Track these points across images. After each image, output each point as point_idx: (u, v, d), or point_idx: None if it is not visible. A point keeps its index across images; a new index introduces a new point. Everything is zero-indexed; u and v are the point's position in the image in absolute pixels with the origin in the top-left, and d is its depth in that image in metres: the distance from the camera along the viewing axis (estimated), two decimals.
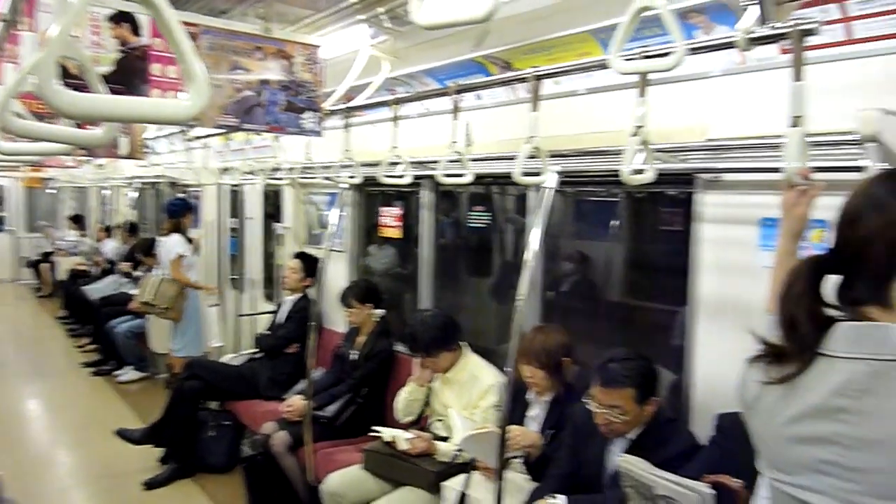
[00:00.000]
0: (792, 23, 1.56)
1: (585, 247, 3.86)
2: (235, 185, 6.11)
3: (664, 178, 2.60)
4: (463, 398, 3.30)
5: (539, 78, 2.37)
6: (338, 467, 3.40)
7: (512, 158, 2.52)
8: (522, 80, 2.53)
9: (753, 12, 1.64)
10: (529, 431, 2.83)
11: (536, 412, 2.96)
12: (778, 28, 1.61)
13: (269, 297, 6.03)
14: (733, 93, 2.51)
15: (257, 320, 5.75)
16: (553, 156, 2.72)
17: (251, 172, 5.53)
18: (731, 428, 2.27)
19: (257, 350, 4.92)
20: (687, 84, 2.61)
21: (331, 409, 3.91)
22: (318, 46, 3.17)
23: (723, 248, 2.59)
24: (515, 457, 2.76)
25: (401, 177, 3.27)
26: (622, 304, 3.75)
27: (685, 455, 2.37)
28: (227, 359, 5.11)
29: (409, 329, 3.50)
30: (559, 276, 3.88)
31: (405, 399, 3.49)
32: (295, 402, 3.89)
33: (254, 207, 6.16)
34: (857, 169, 1.84)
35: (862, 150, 1.83)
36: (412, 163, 3.32)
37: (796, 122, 1.54)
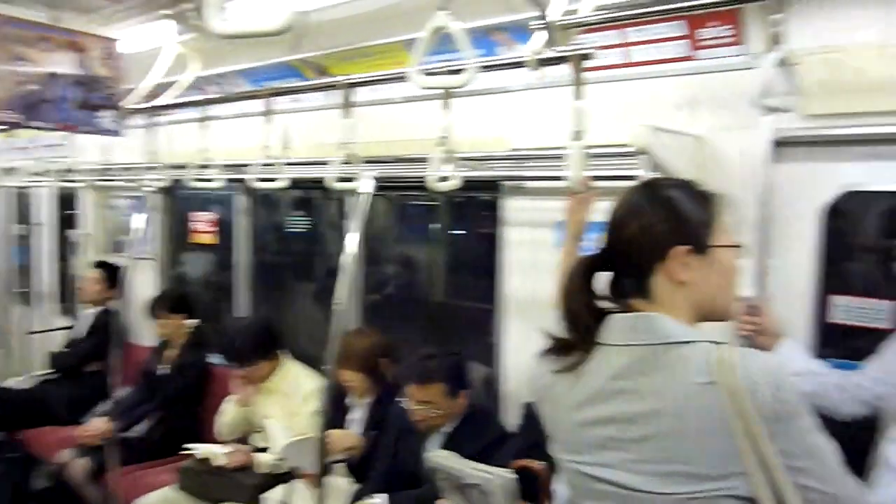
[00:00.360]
0: (573, 47, 1.73)
1: (408, 250, 3.96)
2: (21, 188, 5.47)
3: (474, 184, 2.77)
4: (284, 407, 3.24)
5: (351, 86, 2.40)
6: (149, 490, 3.18)
7: (329, 163, 2.54)
8: (333, 86, 2.54)
9: (542, 35, 1.80)
10: (350, 434, 2.85)
11: (358, 415, 2.99)
12: (561, 51, 1.78)
13: (65, 311, 5.46)
14: (533, 106, 2.71)
15: (51, 338, 5.19)
16: (371, 161, 2.77)
17: (40, 173, 4.99)
18: (537, 416, 2.46)
19: (52, 370, 4.45)
20: (493, 97, 2.79)
21: (139, 429, 3.64)
22: (116, 40, 2.94)
23: (525, 249, 2.79)
24: (338, 461, 2.76)
25: (211, 180, 3.14)
26: (443, 304, 3.88)
27: (497, 444, 2.54)
28: (12, 382, 4.56)
29: (224, 339, 3.36)
30: (382, 279, 3.94)
31: (228, 423, 3.34)
32: (95, 425, 3.57)
33: (44, 212, 5.56)
34: (632, 178, 2.08)
35: (636, 161, 2.07)
36: (225, 166, 3.20)
37: (577, 136, 1.71)
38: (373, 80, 2.50)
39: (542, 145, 2.67)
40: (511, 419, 2.74)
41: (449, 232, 3.74)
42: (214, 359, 3.88)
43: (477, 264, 3.57)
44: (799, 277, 2.25)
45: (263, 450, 3.16)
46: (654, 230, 1.26)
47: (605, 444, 1.22)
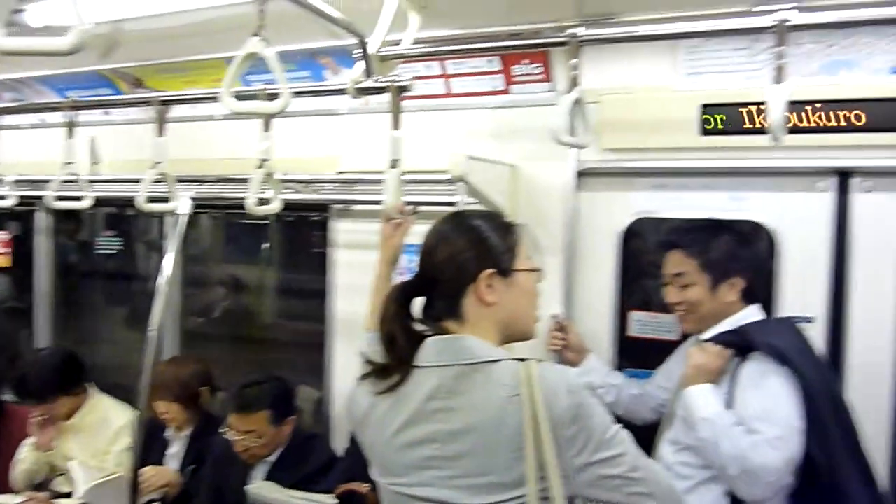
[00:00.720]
0: (391, 78, 1.79)
1: (237, 270, 3.81)
2: None
3: (302, 205, 2.74)
4: (91, 446, 2.95)
5: (164, 103, 2.28)
6: None
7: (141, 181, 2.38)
8: (147, 102, 2.41)
9: (362, 64, 1.84)
10: (165, 470, 2.67)
11: (176, 449, 2.81)
12: (380, 81, 1.83)
13: None
14: (362, 129, 2.74)
15: None
16: (189, 180, 2.65)
17: None
18: None
19: None
20: (323, 118, 2.79)
21: None
22: None
23: (354, 271, 2.81)
24: (152, 501, 2.58)
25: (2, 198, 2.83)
26: (274, 326, 3.79)
27: (323, 469, 2.50)
28: None
29: (17, 373, 3.00)
30: (209, 301, 3.76)
31: (26, 469, 2.97)
32: None
33: None
34: (451, 204, 2.17)
35: (454, 187, 2.17)
36: (17, 181, 2.89)
37: (393, 164, 1.77)
38: (186, 99, 2.41)
39: (370, 168, 2.70)
40: (342, 442, 2.71)
41: (280, 252, 3.66)
42: (7, 396, 3.46)
43: (309, 285, 3.53)
44: (602, 295, 2.47)
45: (67, 495, 2.86)
46: (462, 256, 1.37)
47: (424, 465, 1.28)
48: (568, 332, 2.36)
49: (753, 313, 1.95)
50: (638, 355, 2.45)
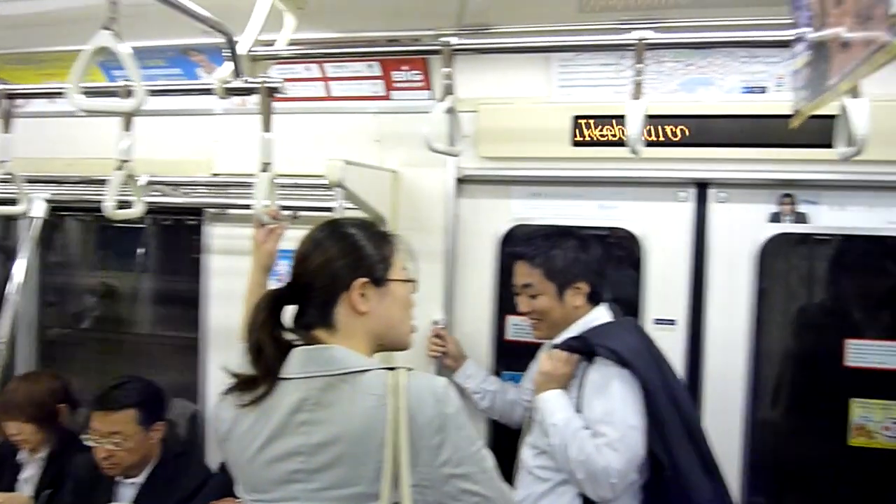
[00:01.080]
0: (261, 79, 1.73)
1: (108, 277, 3.57)
2: None
3: (176, 208, 2.61)
4: None
5: (10, 97, 2.10)
6: None
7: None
8: None
9: (230, 64, 1.77)
10: (18, 496, 2.46)
11: (30, 472, 2.58)
12: (250, 82, 1.77)
13: None
14: (237, 131, 2.65)
15: None
16: (47, 181, 2.45)
17: None
18: None
19: None
20: (196, 119, 2.66)
21: None
22: None
23: (229, 277, 2.70)
24: None
25: None
26: (147, 336, 3.58)
27: (198, 488, 2.38)
28: None
29: None
30: (75, 311, 3.51)
31: None
32: None
33: None
34: (329, 209, 2.14)
35: (331, 192, 2.13)
36: None
37: (265, 167, 1.71)
38: (33, 93, 2.22)
39: (245, 171, 2.61)
40: (217, 458, 2.59)
41: (156, 258, 3.47)
42: None
43: (185, 293, 3.37)
44: (480, 300, 2.51)
45: None
46: (336, 264, 1.35)
47: (290, 479, 1.25)
48: (446, 339, 2.38)
49: (601, 315, 2.02)
50: (515, 358, 2.51)
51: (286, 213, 1.93)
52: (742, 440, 2.30)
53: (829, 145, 1.53)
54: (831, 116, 1.47)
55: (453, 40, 1.76)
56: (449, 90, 1.76)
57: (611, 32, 2.01)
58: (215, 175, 2.67)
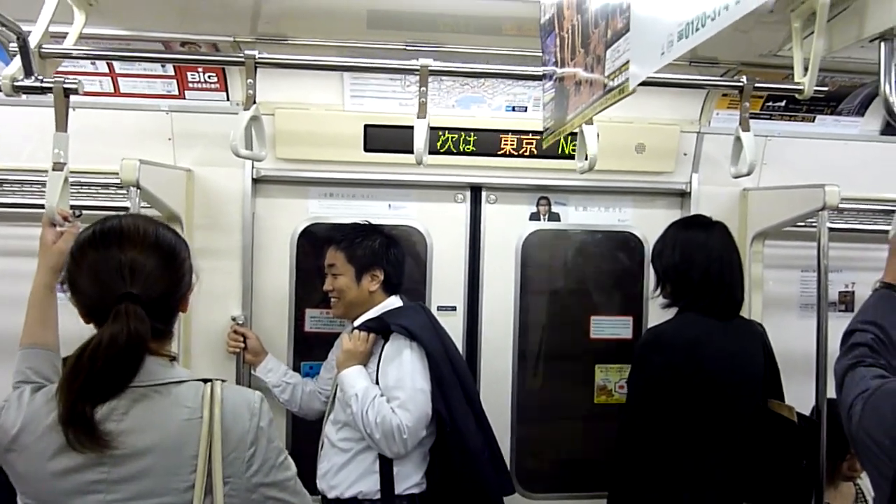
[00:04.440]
0: (57, 79, 1.69)
1: None
2: None
3: None
4: None
5: None
6: None
7: None
8: None
9: (18, 60, 1.69)
10: None
11: None
12: (44, 81, 1.72)
13: None
14: (10, 123, 2.46)
15: None
16: None
17: None
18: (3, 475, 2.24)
19: None
20: None
21: None
22: None
23: (3, 281, 2.51)
24: None
25: None
26: None
27: None
28: None
29: None
30: None
31: None
32: None
33: None
34: (121, 209, 2.11)
35: (125, 191, 2.11)
36: None
37: (57, 166, 1.67)
38: None
39: (21, 167, 2.45)
40: None
41: None
42: None
43: None
44: (279, 295, 2.63)
45: None
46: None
47: (87, 489, 1.22)
48: (247, 335, 2.47)
49: (394, 301, 2.32)
50: (313, 349, 2.68)
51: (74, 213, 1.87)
52: (511, 402, 2.73)
53: (574, 157, 1.91)
54: (575, 134, 1.84)
55: (255, 53, 1.86)
56: (252, 100, 1.87)
57: (398, 53, 2.26)
58: None
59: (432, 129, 1.98)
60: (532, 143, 2.58)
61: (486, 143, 2.57)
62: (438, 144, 2.54)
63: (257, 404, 1.33)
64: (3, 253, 2.53)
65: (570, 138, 2.42)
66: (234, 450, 1.27)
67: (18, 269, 2.49)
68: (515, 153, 2.59)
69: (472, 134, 2.56)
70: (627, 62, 1.12)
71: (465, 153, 2.57)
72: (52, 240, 1.63)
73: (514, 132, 2.58)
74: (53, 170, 1.71)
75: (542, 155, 2.57)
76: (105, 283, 1.25)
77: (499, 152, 2.59)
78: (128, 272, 1.25)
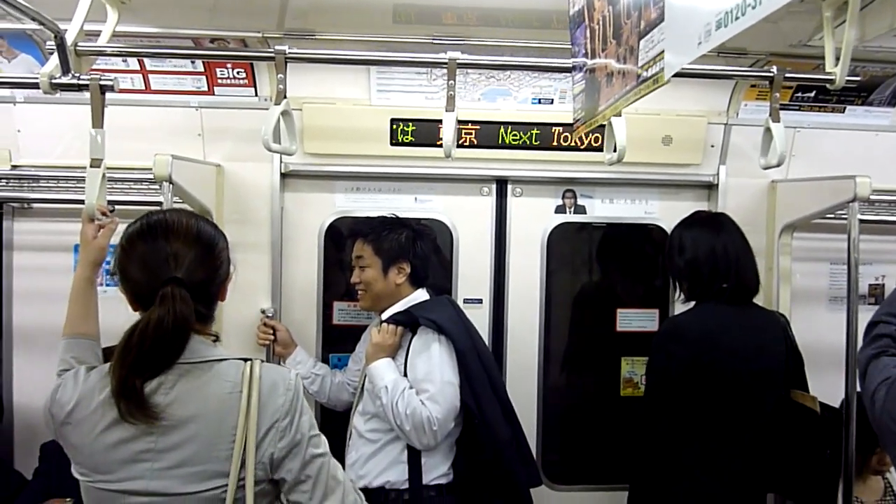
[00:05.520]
0: (93, 76, 1.72)
1: None
2: None
3: None
4: None
5: None
6: None
7: None
8: None
9: (56, 58, 1.73)
10: None
11: None
12: (80, 79, 1.75)
13: None
14: (39, 120, 2.51)
15: None
16: None
17: None
18: (57, 454, 2.29)
19: None
20: None
21: None
22: None
23: (38, 276, 2.57)
24: None
25: None
26: None
27: (12, 497, 2.27)
28: None
29: None
30: None
31: None
32: None
33: None
34: (158, 203, 2.14)
35: (157, 187, 2.14)
36: None
37: (95, 163, 1.71)
38: None
39: (53, 163, 2.50)
40: (30, 464, 2.45)
41: None
42: None
43: None
44: (307, 288, 2.67)
45: None
46: None
47: (136, 458, 1.31)
48: (276, 327, 2.51)
49: (421, 295, 2.33)
50: (341, 341, 2.71)
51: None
52: (538, 394, 2.74)
53: (601, 149, 1.91)
54: (602, 126, 1.84)
55: (285, 48, 1.88)
56: (283, 94, 1.89)
57: (424, 47, 2.27)
58: (14, 167, 2.51)
59: (458, 122, 1.99)
60: (558, 136, 2.58)
61: (512, 135, 2.58)
62: (464, 137, 2.54)
63: (292, 380, 1.42)
64: (37, 248, 2.59)
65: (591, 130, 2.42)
66: (271, 421, 1.35)
67: (51, 264, 2.58)
68: (541, 146, 2.59)
69: (498, 127, 2.57)
70: (662, 52, 1.13)
71: (491, 146, 2.58)
72: (93, 235, 1.69)
73: (540, 125, 2.58)
74: (91, 166, 1.74)
75: (568, 147, 2.57)
76: (152, 270, 1.35)
77: (525, 145, 2.59)
78: (173, 260, 1.36)
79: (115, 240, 1.50)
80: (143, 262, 1.37)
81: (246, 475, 1.33)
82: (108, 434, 1.32)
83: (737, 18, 0.87)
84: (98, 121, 1.75)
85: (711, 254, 2.22)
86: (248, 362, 1.40)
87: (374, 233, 2.31)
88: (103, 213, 1.71)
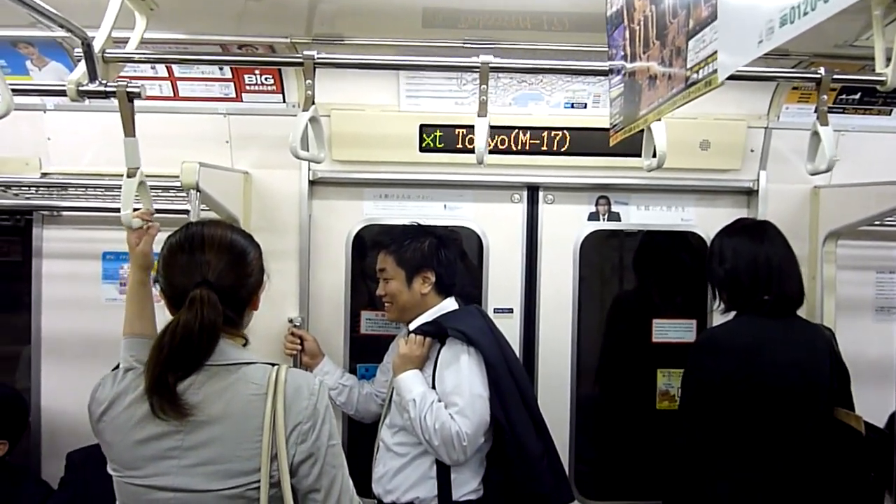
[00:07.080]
0: (120, 83, 1.70)
1: None
2: None
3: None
4: None
5: None
6: None
7: None
8: None
9: (84, 65, 1.71)
10: None
11: None
12: (107, 86, 1.73)
13: None
14: (71, 128, 2.52)
15: None
16: None
17: None
18: (83, 464, 2.29)
19: None
20: (21, 115, 2.48)
21: None
22: None
23: (67, 283, 2.57)
24: None
25: None
26: None
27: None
28: None
29: None
30: None
31: None
32: None
33: None
34: (185, 211, 2.12)
35: (185, 195, 2.12)
36: None
37: (130, 173, 1.70)
38: None
39: (82, 171, 2.50)
40: (56, 472, 2.44)
41: None
42: None
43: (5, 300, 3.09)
44: (335, 297, 2.62)
45: None
46: None
47: (164, 455, 1.37)
48: (304, 337, 2.47)
49: (450, 304, 2.26)
50: (368, 351, 2.66)
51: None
52: (570, 407, 2.65)
53: (636, 155, 1.84)
54: (639, 132, 1.77)
55: (314, 53, 1.84)
56: (311, 100, 1.85)
57: (454, 51, 2.22)
58: (44, 175, 2.52)
59: (490, 128, 1.93)
60: (591, 141, 2.50)
61: (543, 141, 2.51)
62: (495, 143, 2.49)
63: (317, 386, 1.47)
64: (66, 255, 2.59)
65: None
66: (294, 423, 1.40)
67: (80, 272, 2.58)
68: (574, 151, 2.52)
69: (529, 132, 2.51)
70: (714, 53, 1.06)
71: (522, 152, 2.51)
72: (135, 242, 1.77)
73: (573, 129, 2.51)
74: (127, 176, 1.74)
75: (602, 153, 2.49)
76: (186, 276, 1.44)
77: (557, 151, 2.52)
78: (205, 266, 1.44)
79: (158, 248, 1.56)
80: (180, 269, 1.45)
81: (280, 472, 1.37)
82: (139, 431, 1.38)
83: (805, 14, 0.80)
84: (129, 129, 1.73)
85: (753, 264, 2.13)
86: (276, 367, 1.45)
87: (395, 243, 2.24)
88: (144, 220, 1.75)
